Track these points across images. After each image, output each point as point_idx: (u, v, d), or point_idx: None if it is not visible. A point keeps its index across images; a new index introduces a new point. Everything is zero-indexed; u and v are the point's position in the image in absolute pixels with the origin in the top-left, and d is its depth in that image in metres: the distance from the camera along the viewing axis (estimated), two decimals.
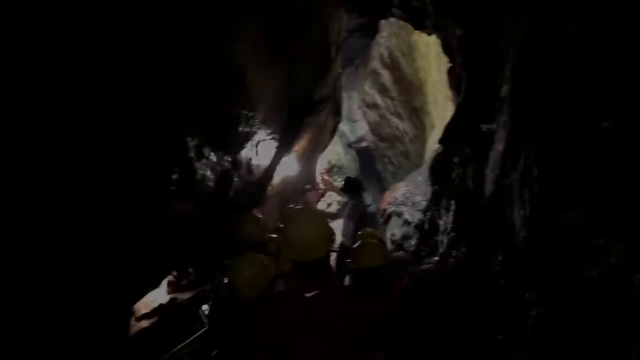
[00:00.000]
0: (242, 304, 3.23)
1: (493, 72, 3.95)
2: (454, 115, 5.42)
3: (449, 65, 5.72)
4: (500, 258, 2.39)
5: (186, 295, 8.37)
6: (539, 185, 1.83)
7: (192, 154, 4.88)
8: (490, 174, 2.75)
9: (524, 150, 1.97)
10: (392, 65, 15.87)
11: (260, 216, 4.56)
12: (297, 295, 2.44)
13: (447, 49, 5.56)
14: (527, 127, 1.95)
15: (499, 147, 2.47)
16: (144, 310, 8.23)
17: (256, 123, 6.11)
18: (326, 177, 14.54)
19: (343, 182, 6.90)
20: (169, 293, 8.53)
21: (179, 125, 4.42)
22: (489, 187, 2.70)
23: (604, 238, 1.42)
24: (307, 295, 2.40)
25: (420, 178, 11.62)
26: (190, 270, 8.31)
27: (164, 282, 7.84)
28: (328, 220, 2.75)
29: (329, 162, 15.34)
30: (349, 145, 18.67)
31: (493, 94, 4.02)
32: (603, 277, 1.42)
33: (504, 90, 3.46)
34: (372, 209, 7.65)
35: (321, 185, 13.60)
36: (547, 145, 1.74)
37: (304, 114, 7.83)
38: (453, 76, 5.58)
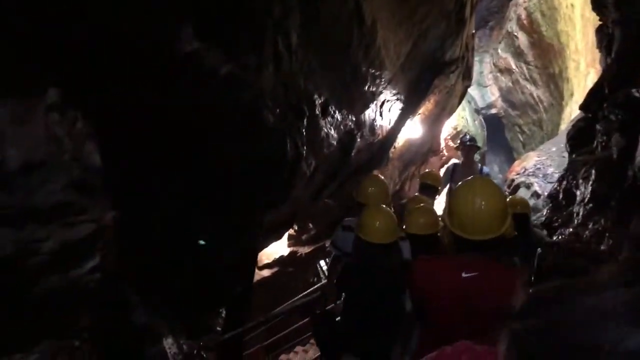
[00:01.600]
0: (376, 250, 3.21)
1: None
2: (600, 79, 4.95)
3: (599, 23, 5.18)
4: None
5: (306, 249, 8.69)
6: None
7: (318, 111, 4.92)
8: None
9: None
10: (530, 28, 14.83)
11: (383, 177, 4.50)
12: (454, 273, 2.25)
13: (598, 4, 5.03)
14: None
15: None
16: (265, 261, 8.70)
17: (383, 82, 6.00)
18: (450, 143, 14.08)
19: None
20: (289, 246, 8.91)
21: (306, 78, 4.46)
22: None
23: None
24: (465, 275, 2.21)
25: (553, 149, 10.89)
26: (310, 226, 8.57)
27: (286, 236, 8.16)
28: None
29: (454, 128, 14.81)
30: (477, 111, 17.91)
31: None
32: None
33: None
34: None
35: (445, 152, 13.20)
36: None
37: (433, 75, 7.56)
38: (602, 35, 5.05)
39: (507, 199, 5.18)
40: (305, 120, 3.89)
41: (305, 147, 3.91)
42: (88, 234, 2.50)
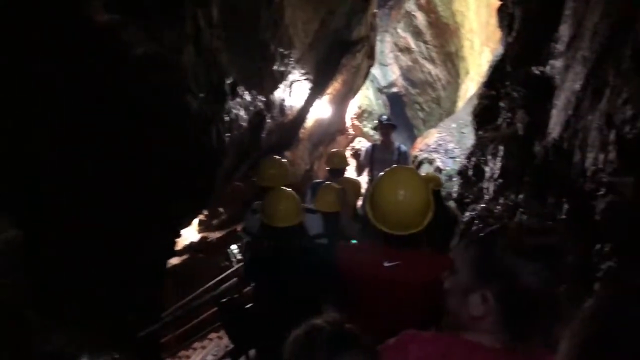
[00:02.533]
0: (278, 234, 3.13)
1: (551, 10, 3.67)
2: (501, 57, 5.14)
3: (499, 3, 5.37)
4: (566, 207, 2.23)
5: (217, 235, 8.47)
6: (631, 126, 1.64)
7: (227, 91, 4.73)
8: (558, 116, 2.55)
9: (613, 88, 1.77)
10: (428, 8, 15.29)
11: (284, 160, 4.38)
12: (375, 262, 2.18)
13: None
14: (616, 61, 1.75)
15: (575, 86, 2.25)
16: (175, 248, 8.37)
17: (291, 61, 5.89)
18: (356, 122, 14.29)
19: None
20: (199, 232, 8.64)
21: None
22: (555, 131, 2.50)
23: None
24: (387, 265, 2.15)
25: (453, 125, 11.34)
26: (220, 210, 8.35)
27: (195, 221, 7.89)
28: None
29: (359, 107, 15.02)
30: (380, 90, 18.28)
31: (549, 34, 3.76)
32: None
33: (563, 29, 3.21)
34: None
35: (351, 131, 13.38)
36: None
37: (340, 55, 7.55)
38: (503, 15, 5.24)
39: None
40: (225, 104, 3.60)
41: (227, 135, 3.61)
42: None
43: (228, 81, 4.65)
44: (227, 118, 3.79)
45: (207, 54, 3.25)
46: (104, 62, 2.54)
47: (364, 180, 6.97)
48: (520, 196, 3.12)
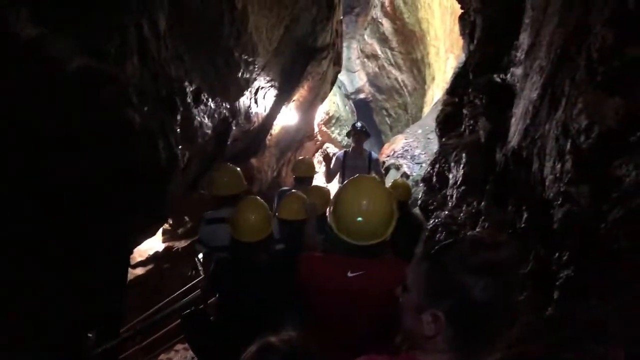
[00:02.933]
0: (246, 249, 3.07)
1: (511, 18, 3.72)
2: (464, 65, 5.20)
3: (461, 11, 5.44)
4: (525, 215, 2.24)
5: (182, 244, 8.33)
6: (586, 135, 1.65)
7: (190, 99, 4.66)
8: (516, 124, 2.57)
9: (568, 97, 1.79)
10: (394, 15, 15.45)
11: (238, 168, 4.32)
12: (339, 272, 2.16)
13: None
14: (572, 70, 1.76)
15: (532, 95, 2.27)
16: (139, 258, 8.20)
17: (256, 68, 5.84)
18: (324, 128, 14.30)
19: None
20: (164, 241, 8.49)
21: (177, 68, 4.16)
22: (514, 139, 2.52)
23: None
24: (351, 275, 2.13)
25: (419, 131, 11.48)
26: (186, 219, 8.22)
27: (160, 230, 7.75)
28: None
29: (326, 113, 15.06)
30: (347, 96, 18.40)
31: (510, 42, 3.81)
32: None
33: (523, 37, 3.25)
34: None
35: (319, 137, 13.39)
36: (600, 93, 1.56)
37: (306, 61, 7.54)
38: (465, 23, 5.31)
39: (391, 183, 5.36)
40: (178, 115, 3.46)
41: (180, 146, 3.47)
42: None
43: (189, 89, 4.58)
44: (178, 129, 3.61)
45: (154, 65, 3.12)
46: (32, 81, 2.37)
47: (334, 187, 6.96)
48: (483, 204, 3.14)
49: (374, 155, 6.39)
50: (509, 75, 3.79)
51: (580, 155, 1.71)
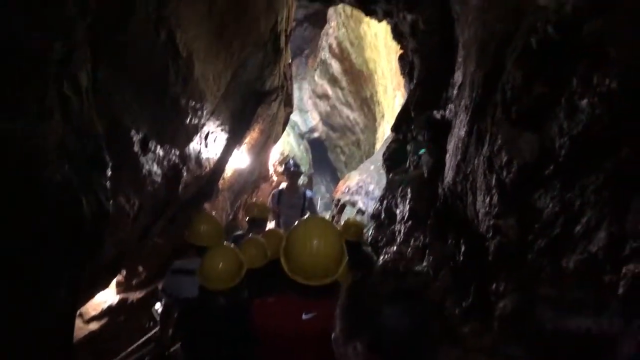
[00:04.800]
0: (214, 297, 3.03)
1: (446, 58, 3.89)
2: (406, 102, 5.38)
3: (400, 52, 5.66)
4: (463, 248, 2.32)
5: (137, 295, 8.09)
6: (507, 170, 1.75)
7: (137, 148, 4.63)
8: (450, 160, 2.67)
9: (491, 134, 1.89)
10: (342, 56, 15.84)
11: (213, 212, 4.31)
12: (294, 315, 2.19)
13: (397, 34, 5.50)
14: (493, 109, 1.87)
15: (460, 132, 2.38)
16: (92, 313, 7.91)
17: (205, 114, 5.87)
18: (279, 168, 14.34)
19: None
20: (118, 293, 8.23)
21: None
22: (449, 175, 2.62)
23: (583, 225, 1.35)
24: (305, 317, 2.17)
25: (372, 167, 11.66)
26: (140, 269, 8.02)
27: (113, 282, 7.52)
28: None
29: (281, 154, 15.15)
30: (301, 135, 18.59)
31: (446, 80, 3.97)
32: (583, 266, 1.35)
33: (457, 75, 3.40)
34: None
35: (274, 177, 13.41)
36: (516, 129, 1.66)
37: (255, 104, 7.63)
38: (404, 62, 5.53)
39: (343, 222, 5.39)
40: (108, 171, 3.36)
41: (111, 202, 3.36)
42: None
43: (137, 137, 4.56)
44: (108, 185, 3.45)
45: (80, 123, 3.03)
46: None
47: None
48: (428, 238, 3.22)
49: (309, 193, 6.51)
50: (447, 111, 3.93)
51: (505, 189, 1.80)
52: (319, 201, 17.90)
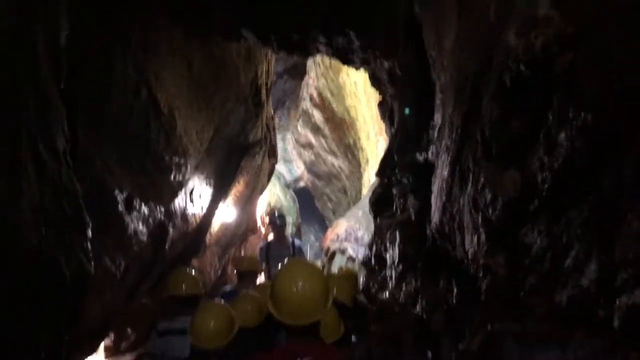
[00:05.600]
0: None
1: (424, 101, 3.95)
2: (388, 147, 5.42)
3: (380, 98, 5.75)
4: (455, 290, 2.29)
5: (127, 359, 7.86)
6: (492, 208, 1.74)
7: (121, 207, 4.59)
8: (435, 201, 2.68)
9: (473, 173, 1.90)
10: (323, 105, 16.06)
11: (193, 269, 4.29)
12: None
13: (375, 81, 5.60)
14: (474, 148, 1.89)
15: (444, 172, 2.40)
16: None
17: (189, 170, 5.88)
18: (267, 220, 14.29)
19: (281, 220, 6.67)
20: (107, 357, 7.98)
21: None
22: (436, 216, 2.62)
23: (572, 259, 1.34)
24: None
25: (360, 212, 11.63)
26: (129, 331, 7.80)
27: (101, 347, 7.30)
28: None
29: (268, 205, 15.15)
30: (287, 185, 18.63)
31: (426, 122, 4.02)
32: (575, 302, 1.33)
33: (437, 117, 3.45)
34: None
35: (262, 229, 13.34)
36: (497, 166, 1.67)
37: (239, 158, 7.66)
38: (384, 108, 5.61)
39: (338, 272, 5.34)
40: (89, 231, 3.30)
41: (94, 264, 3.30)
42: None
43: (120, 197, 4.53)
44: (88, 245, 3.36)
45: (57, 185, 2.97)
46: None
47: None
48: (419, 281, 3.19)
49: (297, 242, 6.56)
50: (429, 153, 3.96)
51: (491, 226, 1.80)
52: (308, 250, 17.80)
